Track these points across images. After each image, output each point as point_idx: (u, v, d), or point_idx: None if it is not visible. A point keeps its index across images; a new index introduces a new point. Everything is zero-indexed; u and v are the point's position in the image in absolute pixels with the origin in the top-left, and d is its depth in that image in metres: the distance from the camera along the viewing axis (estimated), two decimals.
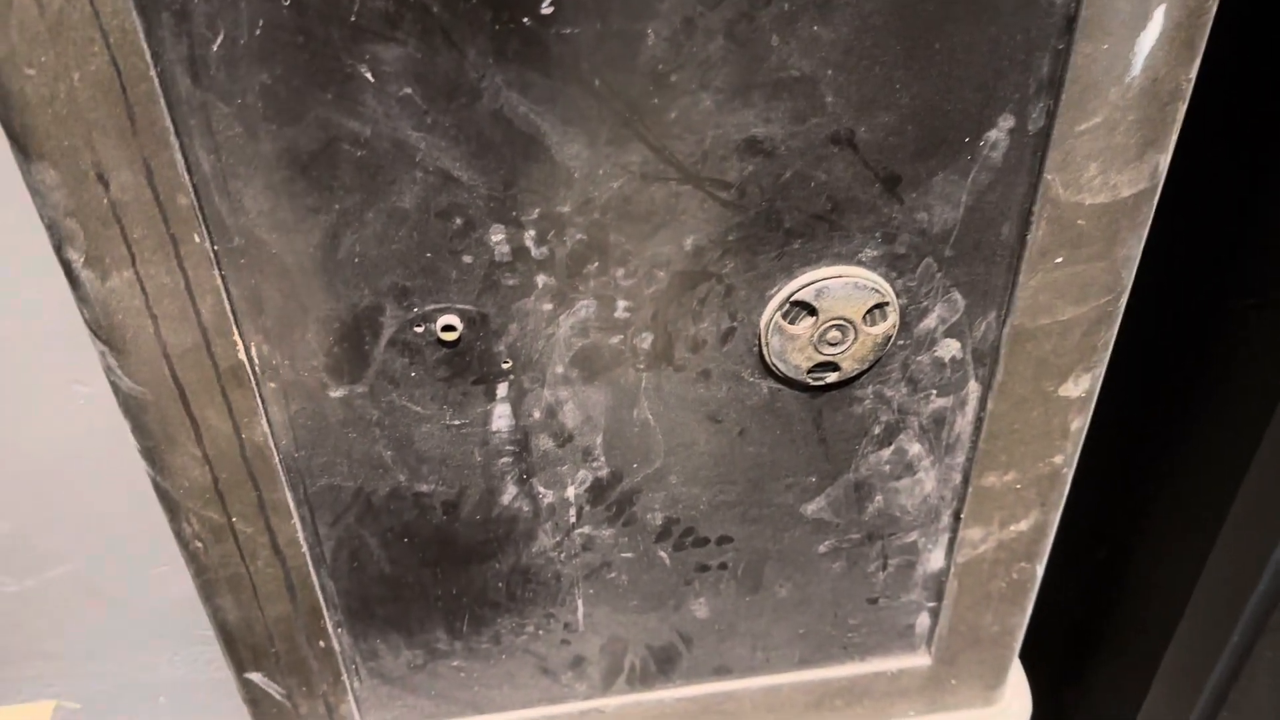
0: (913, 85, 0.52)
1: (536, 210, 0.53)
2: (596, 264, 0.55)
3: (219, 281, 0.52)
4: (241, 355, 0.55)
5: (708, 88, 0.50)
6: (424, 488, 0.63)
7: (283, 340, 0.55)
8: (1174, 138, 0.56)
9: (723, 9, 0.48)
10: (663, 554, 0.70)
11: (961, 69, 0.52)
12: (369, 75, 0.47)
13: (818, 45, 0.50)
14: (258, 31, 0.45)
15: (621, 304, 0.57)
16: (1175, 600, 0.88)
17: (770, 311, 0.59)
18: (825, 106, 0.52)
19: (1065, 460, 0.70)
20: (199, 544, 0.62)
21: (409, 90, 0.47)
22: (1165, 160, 0.57)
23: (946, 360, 0.64)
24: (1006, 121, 0.54)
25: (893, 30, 0.50)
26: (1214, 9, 0.52)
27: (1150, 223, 0.59)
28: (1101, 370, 0.66)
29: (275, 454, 0.59)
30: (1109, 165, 0.56)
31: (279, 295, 0.53)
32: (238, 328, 0.54)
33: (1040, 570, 0.77)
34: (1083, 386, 0.66)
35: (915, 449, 0.68)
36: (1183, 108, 0.55)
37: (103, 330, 0.53)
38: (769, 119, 0.52)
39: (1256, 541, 0.80)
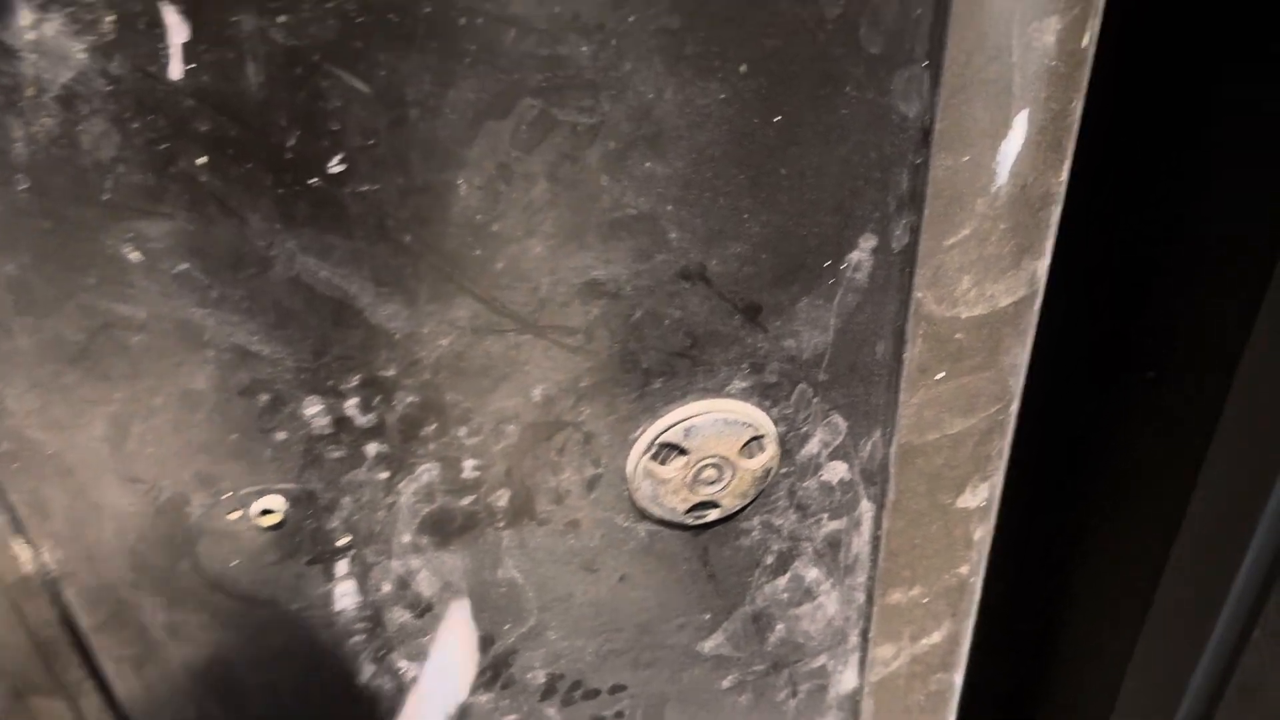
0: (762, 213, 0.47)
1: (356, 377, 0.47)
2: (435, 425, 0.49)
3: None
4: (30, 565, 0.48)
5: (535, 234, 0.45)
6: (268, 679, 0.56)
7: (77, 546, 0.48)
8: (1050, 241, 0.52)
9: (541, 152, 0.43)
10: (550, 711, 0.63)
11: (813, 192, 0.47)
12: (135, 254, 0.41)
13: (653, 181, 0.45)
14: None
15: (469, 463, 0.51)
16: (1109, 683, 0.84)
17: (636, 455, 0.53)
18: (670, 242, 0.47)
19: (972, 569, 0.66)
20: None
21: (186, 266, 0.41)
22: (1044, 265, 0.53)
23: (835, 483, 0.59)
24: (868, 241, 0.50)
25: (733, 160, 0.45)
26: (1079, 109, 0.48)
27: (1035, 329, 0.56)
28: (1000, 477, 0.62)
29: (81, 660, 0.52)
30: (984, 276, 0.52)
31: (65, 497, 0.46)
32: (23, 537, 0.47)
33: (959, 679, 0.72)
34: (981, 496, 0.62)
35: (813, 574, 0.63)
36: (1057, 210, 0.51)
37: None
38: (609, 260, 0.47)
39: (1185, 616, 0.76)
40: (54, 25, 0.35)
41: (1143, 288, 0.75)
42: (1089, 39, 0.46)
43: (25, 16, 0.35)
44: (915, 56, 0.44)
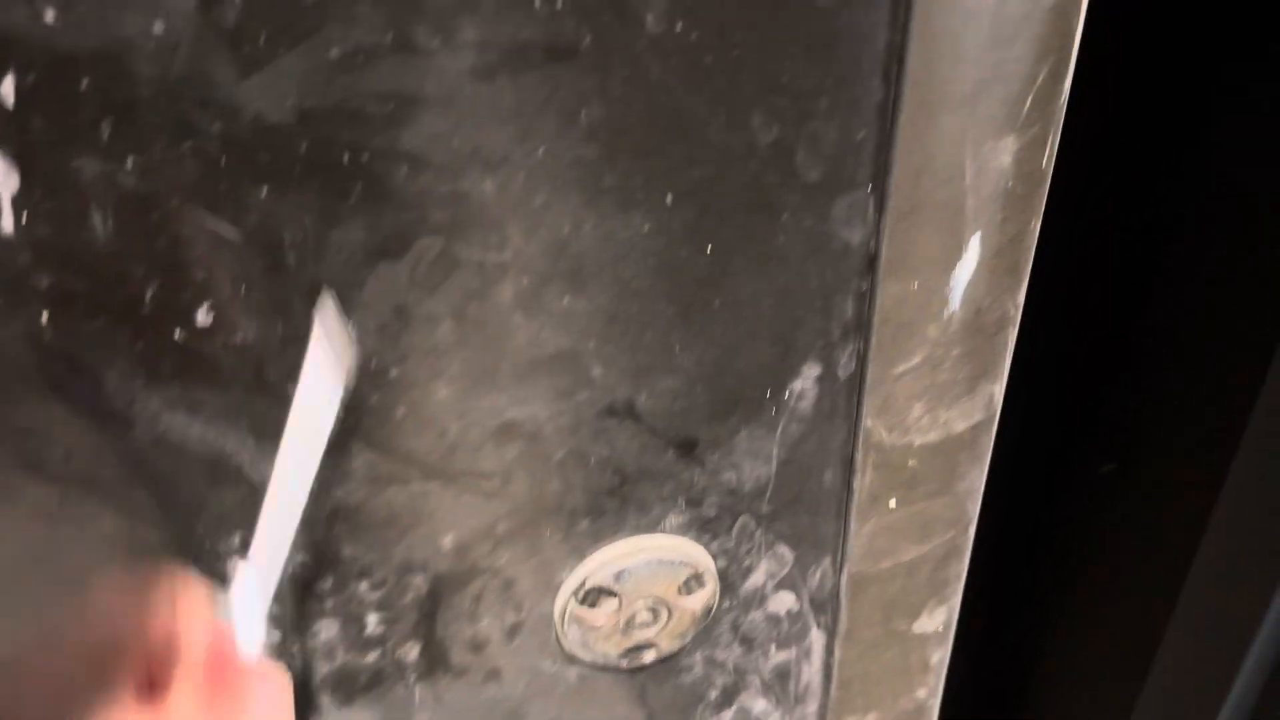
0: (695, 346, 0.43)
1: (236, 537, 0.41)
2: (330, 582, 0.44)
3: None
4: None
5: (440, 377, 0.40)
6: None
7: None
8: (1007, 364, 0.49)
9: (445, 292, 0.38)
10: None
11: (750, 322, 0.43)
12: None
13: (573, 317, 0.40)
14: None
15: (373, 619, 0.46)
16: None
17: (562, 600, 0.48)
18: (593, 379, 0.42)
19: (930, 692, 0.62)
20: None
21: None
22: (1000, 388, 0.49)
23: (783, 614, 0.54)
24: (812, 370, 0.45)
25: (661, 293, 0.41)
26: (1036, 227, 0.45)
27: (991, 452, 0.52)
28: (957, 599, 0.58)
29: None
30: (937, 403, 0.48)
31: None
32: None
33: None
34: (938, 620, 0.58)
35: (760, 705, 0.58)
36: (1013, 333, 0.48)
37: None
38: (526, 400, 0.42)
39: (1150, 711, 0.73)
40: None
41: (1106, 379, 0.72)
42: (1048, 158, 0.42)
43: None
44: (858, 181, 0.40)
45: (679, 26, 0.35)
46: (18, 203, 0.32)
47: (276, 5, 0.31)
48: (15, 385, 0.35)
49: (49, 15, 0.29)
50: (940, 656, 0.60)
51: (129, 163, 0.32)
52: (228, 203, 0.34)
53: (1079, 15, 0.39)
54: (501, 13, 0.33)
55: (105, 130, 0.31)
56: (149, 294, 0.35)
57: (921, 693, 0.61)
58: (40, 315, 0.34)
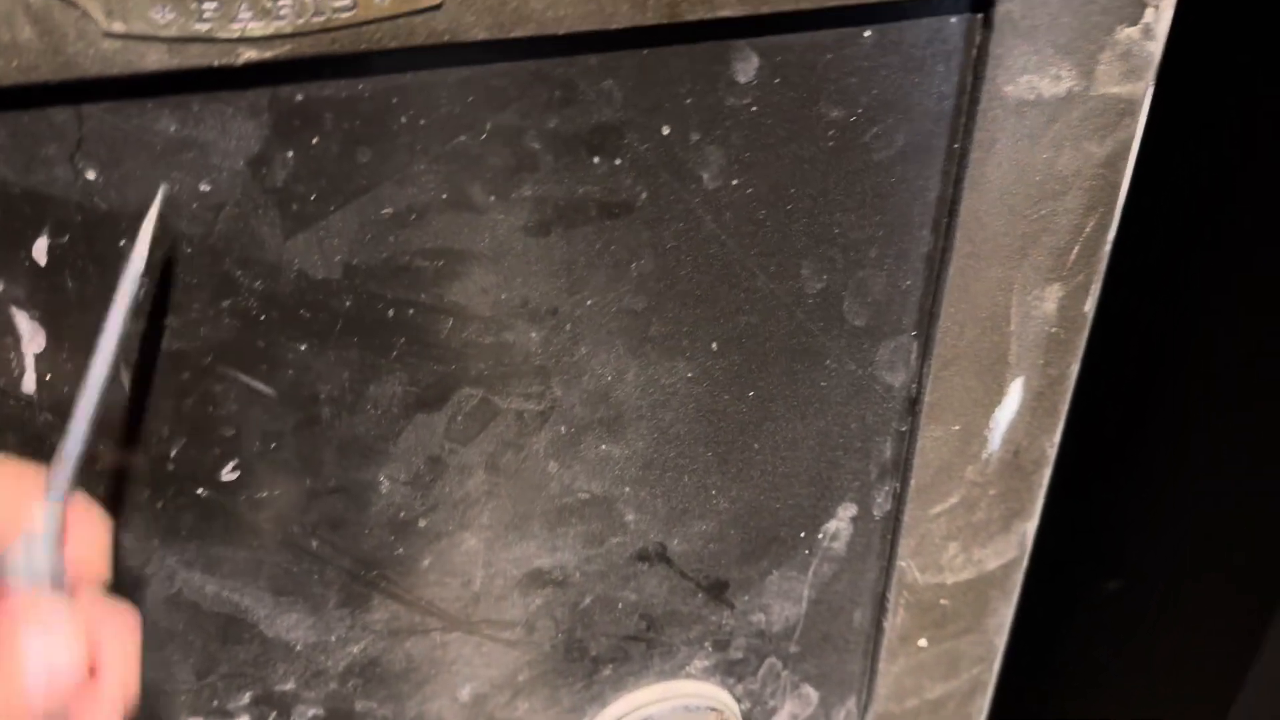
0: (731, 489, 0.41)
1: (247, 695, 0.39)
2: None
3: None
4: None
5: (469, 527, 0.38)
6: None
7: None
8: (1040, 503, 0.47)
9: (480, 443, 0.36)
10: None
11: (788, 465, 0.42)
12: None
13: (609, 464, 0.39)
14: None
15: None
16: None
17: None
18: (626, 525, 0.41)
19: None
20: None
21: None
22: (1033, 526, 0.48)
23: None
24: (847, 510, 0.44)
25: (700, 438, 0.39)
26: (1076, 371, 0.44)
27: (1020, 588, 0.50)
28: None
29: None
30: (971, 542, 0.47)
31: None
32: None
33: None
34: None
35: None
36: (1048, 471, 0.47)
37: None
38: (556, 547, 0.40)
39: None
40: None
41: (1109, 498, 0.71)
42: (1090, 304, 0.41)
43: None
44: (903, 327, 0.39)
45: (734, 182, 0.34)
46: (40, 362, 0.30)
47: (329, 164, 0.29)
48: None
49: (90, 173, 0.28)
50: None
51: (162, 321, 0.30)
52: (264, 359, 0.32)
53: (1127, 167, 0.38)
54: (560, 171, 0.32)
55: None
56: (173, 452, 0.33)
57: None
58: None
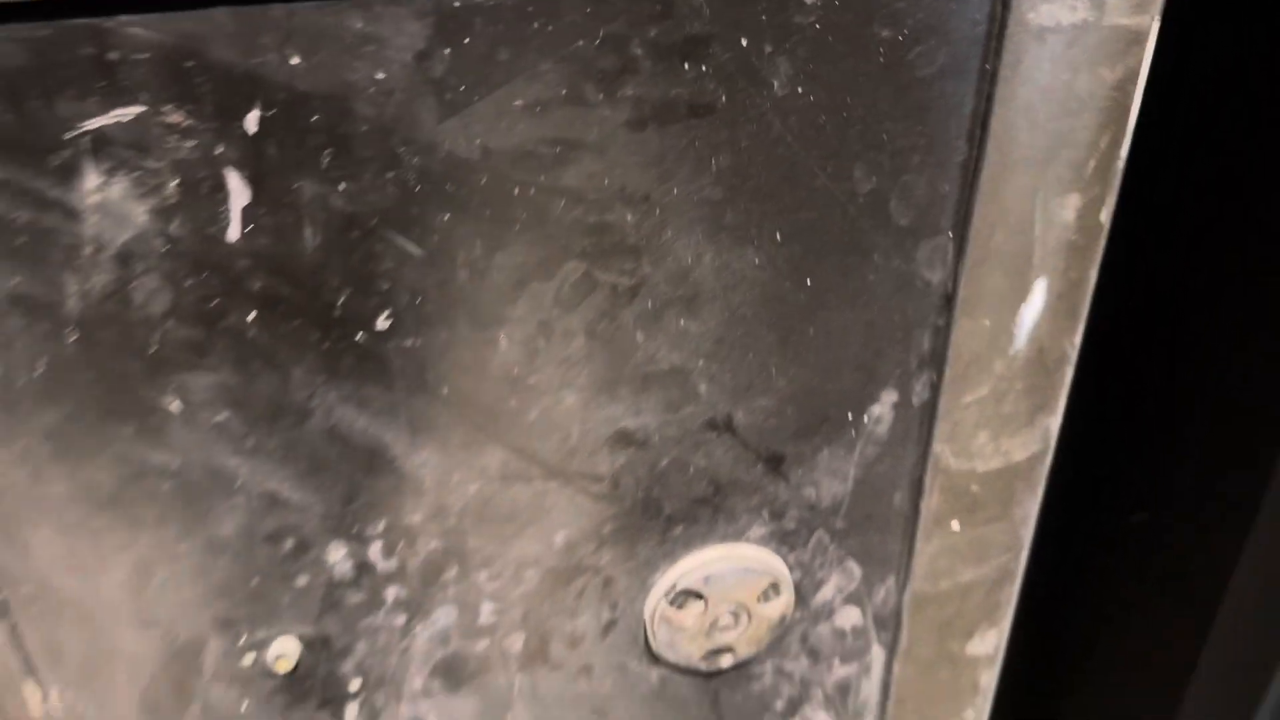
0: (789, 369, 0.48)
1: (382, 522, 0.47)
2: (455, 570, 0.49)
3: (9, 632, 0.44)
4: (36, 710, 0.46)
5: (569, 386, 0.46)
6: None
7: (88, 688, 0.47)
8: (1063, 400, 0.54)
9: (581, 311, 0.44)
10: None
11: (839, 350, 0.48)
12: (176, 405, 0.41)
13: (686, 338, 0.46)
14: (40, 370, 0.39)
15: (487, 608, 0.51)
16: None
17: (654, 600, 0.53)
18: (699, 395, 0.48)
19: (977, 714, 0.66)
20: None
21: (225, 416, 0.42)
22: (1056, 421, 0.54)
23: (847, 629, 0.59)
24: (890, 396, 0.51)
25: (764, 320, 0.46)
26: (1094, 277, 0.50)
27: (1045, 481, 0.57)
28: (1007, 624, 0.62)
29: None
30: (999, 432, 0.53)
31: (80, 641, 0.45)
32: (34, 679, 0.46)
33: None
34: (989, 643, 0.62)
35: (821, 718, 0.62)
36: (1070, 371, 0.53)
37: None
38: (639, 411, 0.47)
39: None
40: (119, 188, 0.36)
41: (1144, 427, 0.76)
42: (1106, 214, 0.48)
43: (91, 180, 0.36)
44: (941, 228, 0.46)
45: (800, 90, 0.41)
46: (245, 216, 0.38)
47: (477, 59, 0.37)
48: (217, 377, 0.41)
49: (295, 59, 0.36)
50: (988, 680, 0.64)
51: (340, 187, 0.38)
52: (416, 225, 0.40)
53: (1136, 92, 0.45)
54: (656, 75, 0.39)
55: (325, 159, 0.37)
56: (341, 300, 0.40)
57: (969, 714, 0.65)
58: (249, 315, 0.40)
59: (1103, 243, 0.49)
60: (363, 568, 0.47)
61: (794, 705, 0.61)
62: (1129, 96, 0.45)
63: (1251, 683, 0.69)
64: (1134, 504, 0.79)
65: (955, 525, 0.56)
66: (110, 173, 0.36)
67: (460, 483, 0.47)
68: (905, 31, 0.41)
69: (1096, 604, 0.84)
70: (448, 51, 0.36)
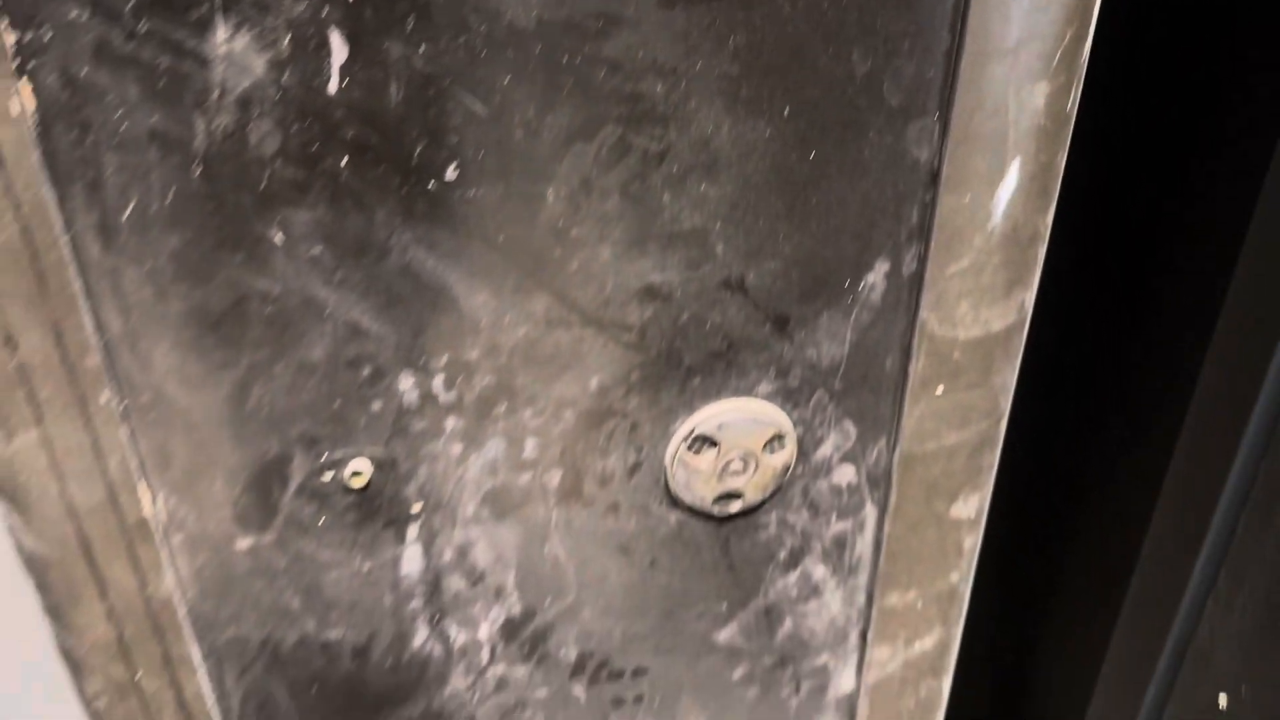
0: (794, 235, 0.56)
1: (445, 357, 0.54)
2: (505, 405, 0.57)
3: (126, 438, 0.52)
4: (148, 510, 0.54)
5: (606, 240, 0.53)
6: (333, 635, 0.62)
7: (189, 493, 0.55)
8: (1037, 276, 0.61)
9: (617, 171, 0.51)
10: (578, 690, 0.70)
11: (838, 220, 0.56)
12: (279, 237, 0.49)
13: (706, 201, 0.53)
14: (169, 199, 0.47)
15: (531, 443, 0.59)
16: (1081, 687, 0.91)
17: (674, 445, 0.61)
18: (716, 255, 0.55)
19: (961, 577, 0.73)
20: (102, 703, 0.61)
21: (319, 250, 0.49)
22: (1031, 296, 0.62)
23: (843, 486, 0.66)
24: (883, 266, 0.58)
25: (773, 188, 0.54)
26: (1063, 161, 0.57)
27: (1021, 353, 0.64)
28: (988, 491, 0.70)
29: (181, 607, 0.58)
30: (979, 303, 0.60)
31: (186, 449, 0.54)
32: (145, 482, 0.54)
33: (946, 686, 0.79)
34: (972, 507, 0.69)
35: (820, 571, 0.70)
36: (1043, 249, 0.60)
37: (6, 490, 0.52)
38: (665, 267, 0.55)
39: (1145, 633, 0.83)
40: (243, 41, 0.44)
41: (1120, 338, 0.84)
42: (1072, 103, 0.55)
43: (221, 33, 0.44)
44: (928, 110, 0.53)
45: None
46: (343, 71, 0.46)
47: None
48: (314, 214, 0.48)
49: None
50: (971, 543, 0.72)
51: (421, 49, 0.46)
52: (482, 86, 0.47)
53: None
54: None
55: (410, 24, 0.45)
56: (417, 150, 0.48)
57: (954, 576, 0.73)
58: (342, 159, 0.48)
59: (1069, 130, 0.56)
60: (427, 397, 0.55)
61: (795, 557, 0.68)
62: None
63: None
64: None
65: (940, 389, 0.63)
66: (237, 27, 0.44)
67: (511, 324, 0.54)
68: None
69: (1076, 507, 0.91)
70: None
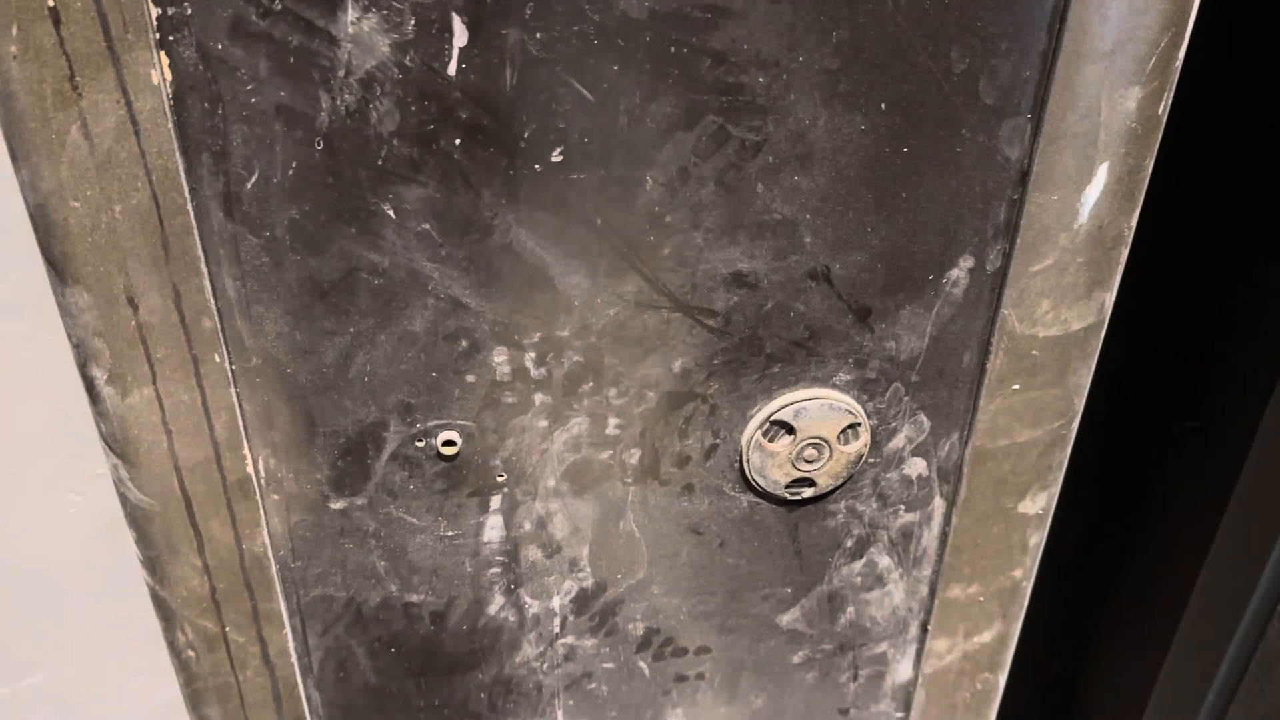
0: (882, 228, 0.57)
1: (538, 334, 0.56)
2: (591, 384, 0.59)
3: (234, 399, 0.55)
4: (249, 469, 0.57)
5: (699, 227, 0.55)
6: (414, 598, 0.65)
7: (289, 454, 0.57)
8: (1118, 277, 0.62)
9: (714, 160, 0.53)
10: (642, 664, 0.72)
11: (926, 215, 0.57)
12: (391, 212, 0.51)
13: (798, 193, 0.55)
14: (290, 172, 0.49)
15: (613, 421, 0.60)
16: (1140, 690, 0.91)
17: (751, 430, 0.62)
18: (804, 245, 0.57)
19: (1024, 574, 0.74)
20: (191, 653, 0.63)
21: (427, 226, 0.51)
22: (1111, 297, 0.62)
23: (914, 478, 0.68)
24: (967, 262, 0.59)
25: (864, 181, 0.55)
26: (1150, 165, 0.58)
27: (1099, 353, 0.65)
28: (1057, 489, 0.70)
29: (273, 564, 0.61)
30: (1060, 302, 0.61)
31: (289, 412, 0.56)
32: (248, 442, 0.56)
33: (1002, 681, 0.80)
34: (1039, 504, 0.70)
35: (885, 561, 0.71)
36: (1125, 251, 0.61)
37: (117, 444, 0.55)
38: (753, 255, 0.56)
39: (1205, 646, 0.83)
40: (370, 23, 0.46)
41: (1194, 338, 0.84)
42: (1163, 107, 0.56)
43: (350, 14, 0.46)
44: (1021, 109, 0.54)
45: None
46: (462, 54, 0.47)
47: None
48: (425, 191, 0.50)
49: None
50: (1037, 540, 0.72)
51: (537, 36, 0.48)
52: (591, 73, 0.49)
53: None
54: None
55: (528, 11, 0.47)
56: (526, 133, 0.50)
57: (1018, 572, 0.73)
58: (455, 140, 0.49)
59: (1159, 135, 0.57)
60: (518, 373, 0.57)
61: (862, 545, 0.70)
62: (1190, 1, 0.52)
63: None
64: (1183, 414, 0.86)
65: (1016, 386, 0.64)
66: (365, 9, 0.46)
67: (602, 305, 0.56)
68: None
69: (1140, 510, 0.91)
70: None
